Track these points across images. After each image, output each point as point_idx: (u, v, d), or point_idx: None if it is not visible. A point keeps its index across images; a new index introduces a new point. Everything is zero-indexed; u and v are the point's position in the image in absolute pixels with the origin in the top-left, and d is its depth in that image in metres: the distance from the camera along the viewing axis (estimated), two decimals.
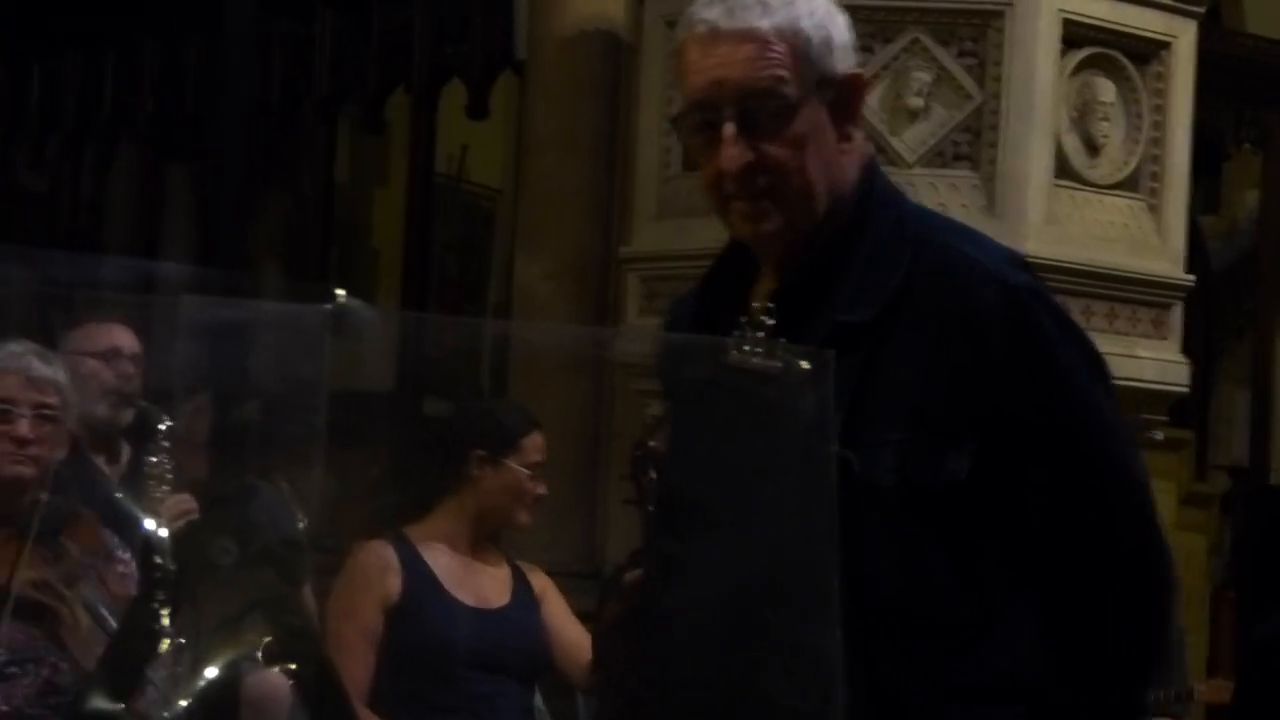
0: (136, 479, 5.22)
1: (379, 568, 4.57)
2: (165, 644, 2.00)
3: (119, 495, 4.97)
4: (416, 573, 4.56)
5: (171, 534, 2.08)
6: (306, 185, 9.75)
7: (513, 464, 4.62)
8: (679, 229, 6.62)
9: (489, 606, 4.64)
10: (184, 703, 1.93)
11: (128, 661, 2.03)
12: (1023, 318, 2.65)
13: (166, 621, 1.98)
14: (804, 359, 2.43)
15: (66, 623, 4.04)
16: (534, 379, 7.13)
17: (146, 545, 2.07)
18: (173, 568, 2.02)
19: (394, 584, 4.57)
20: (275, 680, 2.69)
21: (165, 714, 2.00)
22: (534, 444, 4.68)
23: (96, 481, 5.17)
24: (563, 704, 4.94)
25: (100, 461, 5.30)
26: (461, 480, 4.67)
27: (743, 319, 2.66)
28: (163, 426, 5.05)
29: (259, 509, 2.03)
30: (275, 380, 2.15)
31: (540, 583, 4.78)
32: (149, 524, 1.94)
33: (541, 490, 4.64)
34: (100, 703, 1.99)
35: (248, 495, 2.05)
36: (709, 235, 6.44)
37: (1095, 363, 2.73)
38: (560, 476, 7.03)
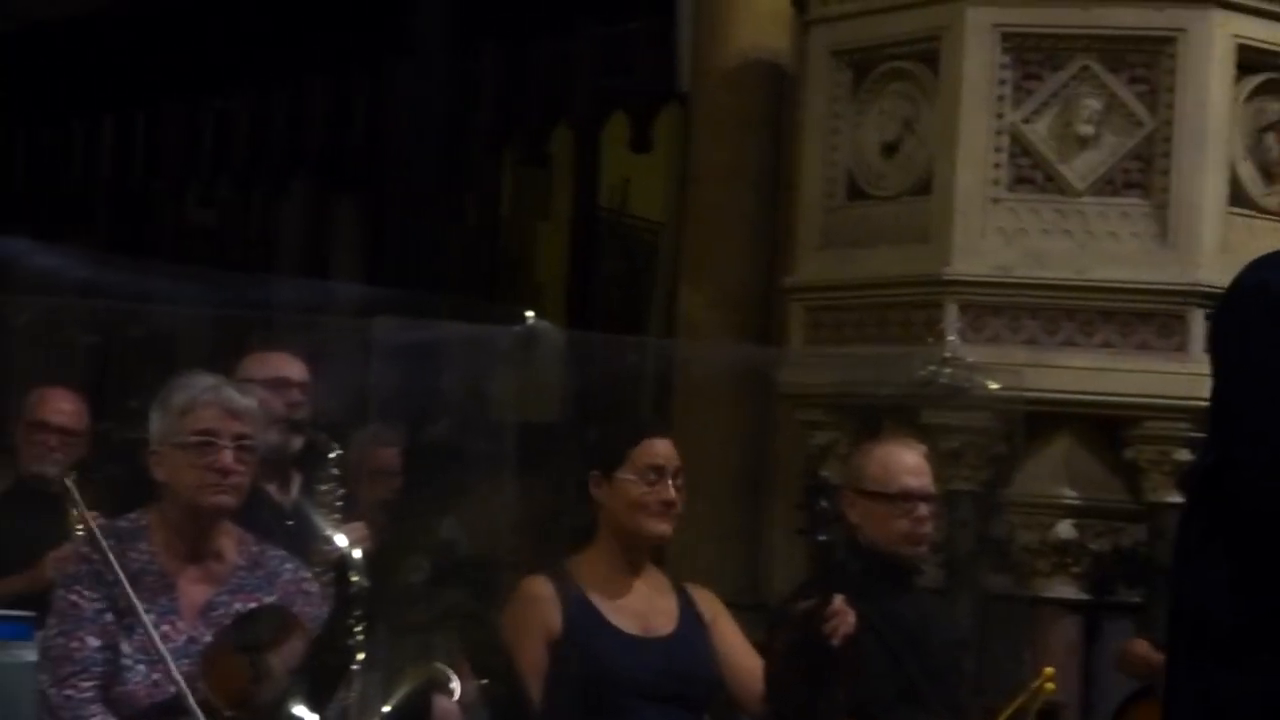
0: (306, 506, 5.25)
1: (538, 602, 4.52)
2: (359, 659, 1.99)
3: (306, 515, 5.02)
4: (576, 604, 4.50)
5: (365, 553, 2.05)
6: (472, 219, 9.78)
7: (625, 476, 4.54)
8: (843, 259, 6.59)
9: (654, 634, 4.56)
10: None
11: (323, 676, 2.01)
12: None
13: (361, 637, 1.96)
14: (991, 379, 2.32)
15: None
16: (697, 407, 7.10)
17: (341, 564, 2.04)
18: (366, 585, 1.99)
19: (554, 618, 4.52)
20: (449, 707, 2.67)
21: None
22: (647, 451, 4.56)
23: (271, 510, 5.20)
24: None
25: (272, 490, 5.32)
26: (594, 505, 4.62)
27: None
28: (333, 455, 5.08)
29: (450, 528, 2.00)
30: (465, 401, 2.14)
31: (710, 607, 4.69)
32: (342, 542, 1.91)
33: (667, 496, 4.54)
34: (298, 713, 1.99)
35: (439, 515, 2.02)
36: (873, 265, 6.47)
37: None
38: (724, 506, 7.00)
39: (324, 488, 5.04)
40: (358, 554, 2.15)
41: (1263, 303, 2.32)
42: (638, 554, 4.60)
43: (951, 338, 5.84)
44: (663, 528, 4.56)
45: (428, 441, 1.89)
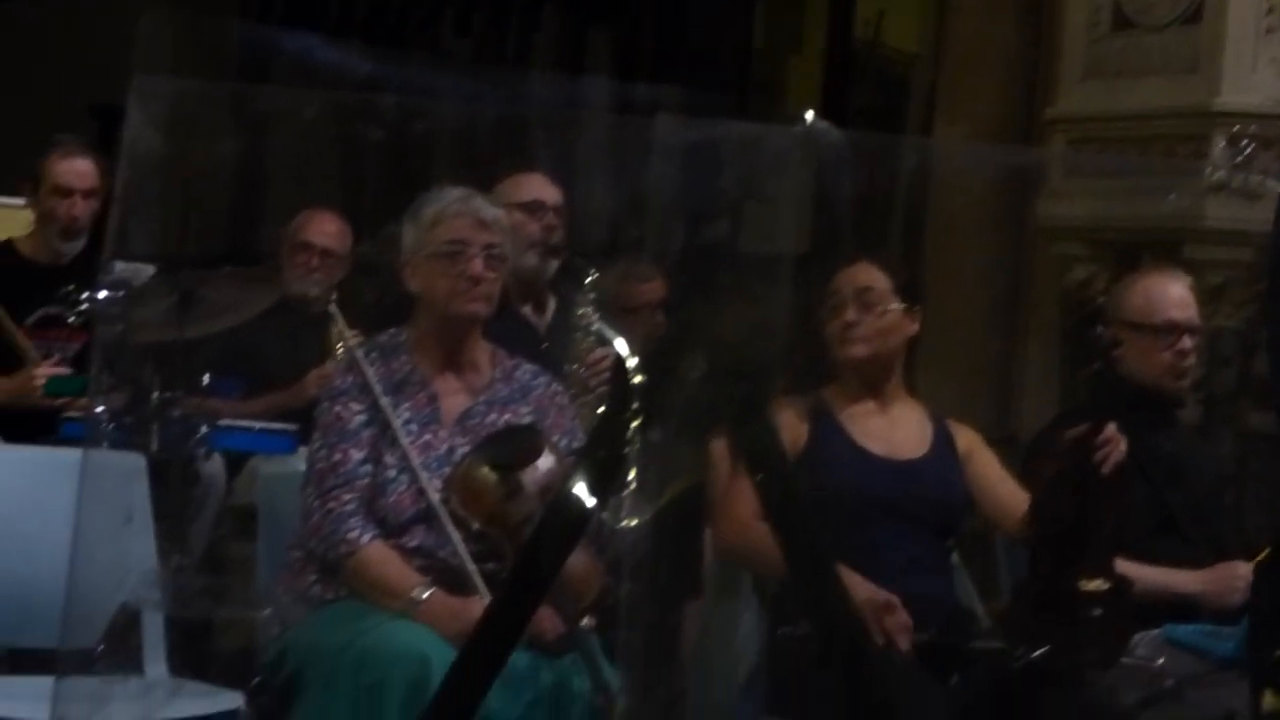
0: (562, 331, 5.27)
1: (786, 417, 4.52)
2: (632, 454, 1.99)
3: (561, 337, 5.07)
4: (823, 423, 4.48)
5: (645, 350, 2.05)
6: (724, 52, 9.72)
7: (830, 305, 4.51)
8: (1107, 90, 6.45)
9: (902, 457, 4.55)
10: (649, 510, 1.92)
11: (600, 470, 2.01)
12: None
13: (636, 433, 1.97)
14: None
15: None
16: (951, 240, 7.02)
17: (619, 363, 2.04)
18: (642, 382, 1.99)
19: (801, 433, 4.53)
20: None
21: (632, 521, 2.00)
22: (847, 279, 4.52)
23: (526, 331, 5.24)
24: (979, 559, 4.85)
25: (527, 312, 5.35)
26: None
27: None
28: (589, 280, 5.09)
29: (734, 328, 2.00)
30: (746, 199, 2.12)
31: (966, 440, 4.66)
32: (620, 344, 1.93)
33: (856, 349, 4.50)
34: (579, 504, 2.01)
35: (715, 315, 2.02)
36: (1139, 97, 6.33)
37: None
38: (975, 341, 6.94)
39: (580, 311, 5.07)
40: (630, 355, 2.14)
41: None
42: (874, 381, 4.57)
43: (1220, 171, 5.69)
44: (849, 351, 4.52)
45: (706, 241, 1.87)
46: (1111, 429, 4.23)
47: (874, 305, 4.47)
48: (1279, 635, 2.22)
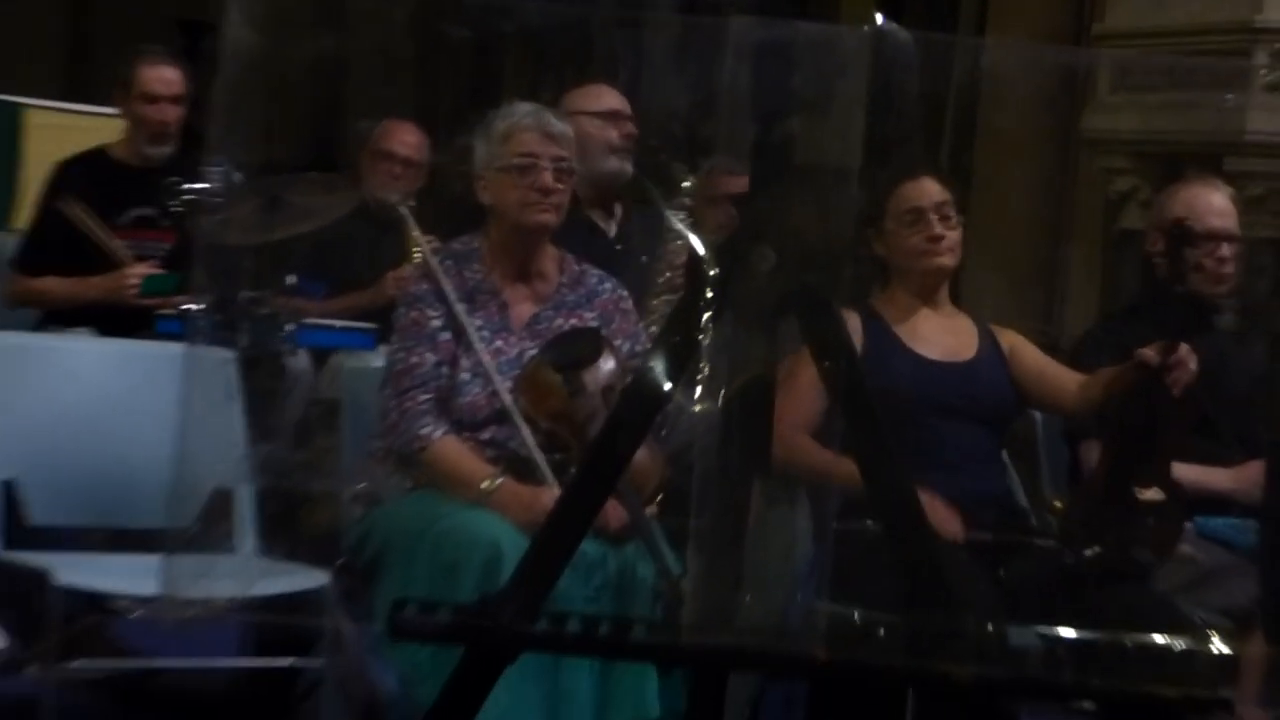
0: (634, 234, 5.31)
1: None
2: (705, 341, 2.04)
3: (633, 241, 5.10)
4: (876, 330, 4.52)
5: (715, 244, 2.10)
6: None
7: (889, 226, 4.51)
8: (1156, 5, 6.42)
9: (953, 359, 4.59)
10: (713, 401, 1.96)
11: (672, 358, 2.05)
12: None
13: (710, 321, 2.02)
14: None
15: None
16: (999, 150, 7.00)
17: (693, 257, 2.09)
18: (716, 273, 2.04)
19: (857, 340, 4.56)
20: None
21: (700, 406, 2.04)
22: (902, 196, 4.51)
23: (597, 236, 5.30)
24: (1023, 459, 4.87)
25: (597, 217, 5.38)
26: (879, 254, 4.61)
27: None
28: (687, 184, 5.11)
29: (799, 217, 2.03)
30: (817, 99, 2.14)
31: (1010, 340, 4.70)
32: (695, 239, 1.99)
33: (931, 233, 4.50)
34: (656, 386, 2.05)
35: (785, 207, 2.05)
36: (1187, 12, 6.31)
37: None
38: (1019, 250, 6.94)
39: (675, 214, 5.10)
40: (702, 247, 2.20)
41: None
42: (934, 293, 4.61)
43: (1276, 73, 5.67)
44: (938, 263, 4.55)
45: (777, 138, 1.88)
46: (1185, 350, 4.26)
47: (951, 218, 4.52)
48: None
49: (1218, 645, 2.96)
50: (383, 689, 4.12)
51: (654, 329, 4.62)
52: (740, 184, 5.04)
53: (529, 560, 2.18)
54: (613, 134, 5.31)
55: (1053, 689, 2.63)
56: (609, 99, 5.38)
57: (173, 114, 5.81)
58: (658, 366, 2.07)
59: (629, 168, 5.36)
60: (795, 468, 4.15)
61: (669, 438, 3.87)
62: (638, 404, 2.20)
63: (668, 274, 4.99)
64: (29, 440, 4.41)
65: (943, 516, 4.22)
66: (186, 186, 5.32)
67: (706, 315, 2.02)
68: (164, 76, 5.82)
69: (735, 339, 2.06)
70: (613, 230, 5.41)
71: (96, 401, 4.51)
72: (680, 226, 4.09)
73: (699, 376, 2.08)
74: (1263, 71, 5.51)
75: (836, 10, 9.30)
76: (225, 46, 2.36)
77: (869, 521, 2.64)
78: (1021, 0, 7.20)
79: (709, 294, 2.04)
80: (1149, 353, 4.30)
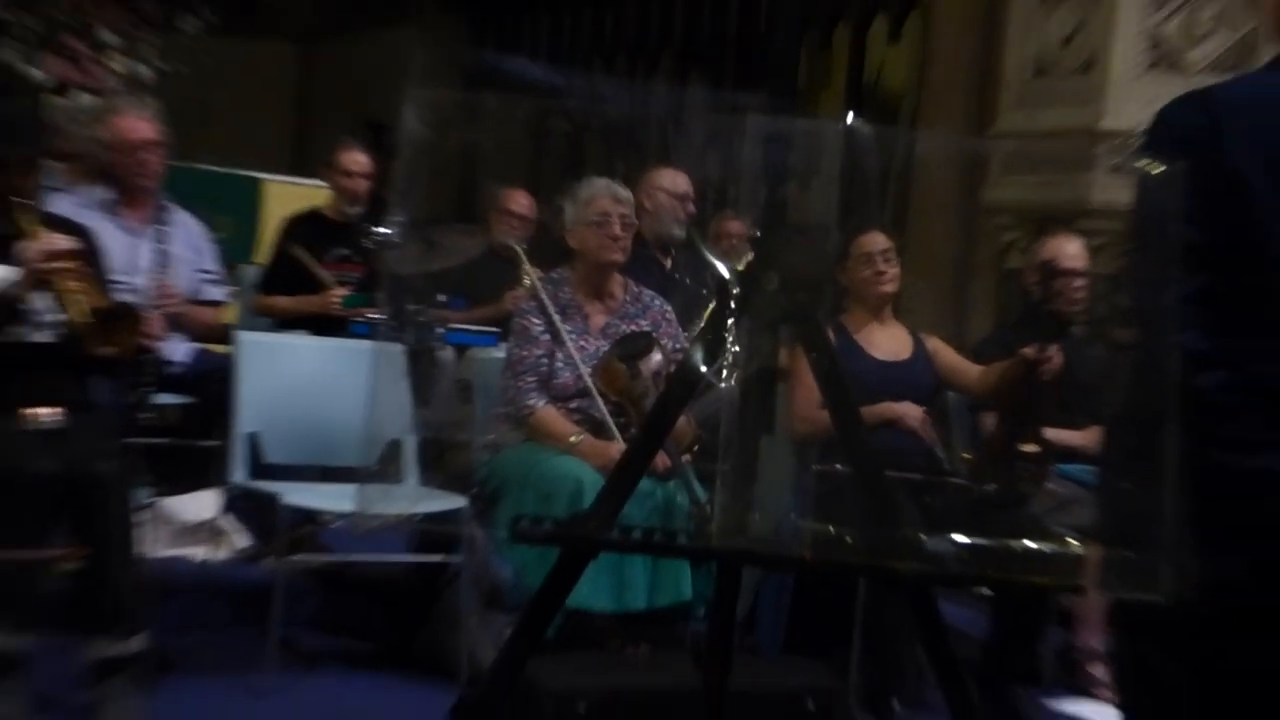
0: (683, 266, 5.43)
1: None
2: (729, 339, 2.03)
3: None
4: (843, 338, 4.49)
5: (737, 271, 2.09)
6: (779, 87, 9.60)
7: (849, 264, 4.50)
8: (1030, 114, 6.37)
9: (895, 359, 4.56)
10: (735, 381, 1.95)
11: (707, 349, 2.05)
12: None
13: (731, 326, 2.01)
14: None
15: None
16: (925, 214, 6.96)
17: (721, 281, 2.09)
18: (737, 291, 2.03)
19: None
20: None
21: (725, 384, 2.03)
22: (860, 245, 4.49)
23: (659, 269, 5.39)
24: (940, 426, 4.84)
25: (659, 255, 5.48)
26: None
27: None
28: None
29: (795, 253, 2.02)
30: (806, 173, 2.13)
31: (933, 344, 4.67)
32: (723, 267, 1.98)
33: (878, 269, 4.48)
34: (695, 370, 2.05)
35: (786, 249, 2.03)
36: (1051, 118, 6.27)
37: None
38: (941, 282, 6.89)
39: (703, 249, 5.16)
40: (728, 272, 2.20)
41: None
42: (880, 312, 4.58)
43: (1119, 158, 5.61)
44: (883, 290, 4.54)
45: (779, 199, 1.88)
46: (1052, 350, 4.25)
47: (892, 260, 4.50)
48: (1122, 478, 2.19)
49: (1073, 549, 2.93)
50: (502, 577, 4.13)
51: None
52: (737, 227, 5.05)
53: (605, 491, 2.18)
54: (680, 210, 5.39)
55: (962, 579, 2.63)
56: (682, 184, 5.46)
57: (363, 185, 5.81)
58: (696, 356, 2.07)
59: (682, 231, 5.43)
60: (808, 423, 4.13)
61: (703, 407, 3.86)
62: (681, 383, 2.19)
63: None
64: (267, 405, 4.44)
65: (903, 411, 4.32)
66: (374, 232, 5.33)
67: (730, 321, 2.02)
68: (357, 159, 5.83)
69: (750, 338, 2.05)
70: (669, 264, 5.45)
71: (311, 380, 4.53)
72: (713, 259, 4.10)
73: (725, 364, 2.06)
74: (1112, 158, 5.45)
75: (817, 104, 9.27)
76: (403, 138, 2.35)
77: (838, 466, 2.63)
78: (939, 112, 7.13)
79: (732, 306, 2.03)
80: (1028, 351, 4.28)
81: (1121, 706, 2.32)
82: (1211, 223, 1.94)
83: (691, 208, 5.44)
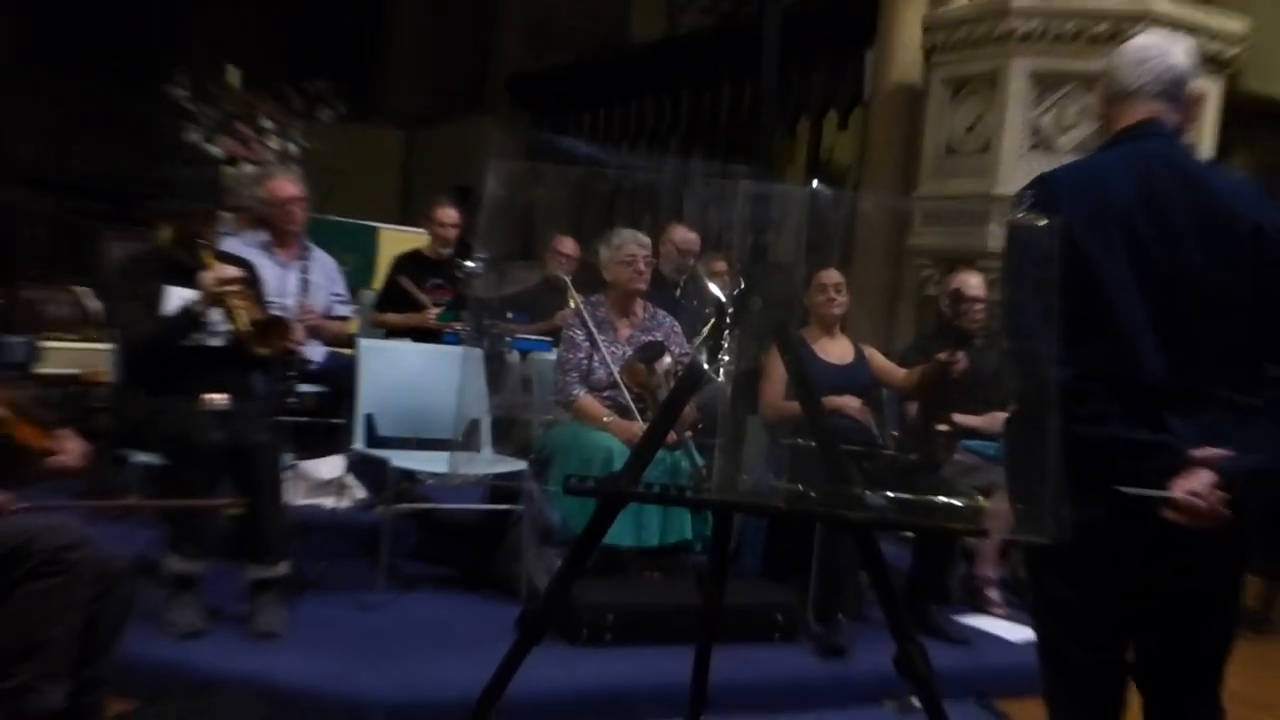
0: (687, 293, 5.34)
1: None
2: (725, 345, 1.99)
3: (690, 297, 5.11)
4: (804, 349, 4.46)
5: (731, 296, 2.06)
6: (759, 161, 9.53)
7: (811, 293, 4.46)
8: (942, 184, 6.32)
9: (842, 363, 4.52)
10: (727, 377, 1.92)
11: (709, 351, 2.02)
12: None
13: (727, 335, 1.97)
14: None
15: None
16: (866, 255, 6.90)
17: (719, 305, 2.06)
18: (732, 311, 1.99)
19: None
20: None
21: (721, 379, 2.00)
22: (819, 279, 4.46)
23: (671, 294, 5.32)
24: (875, 412, 4.80)
25: (670, 283, 5.43)
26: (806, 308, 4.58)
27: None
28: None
29: (773, 283, 1.98)
30: (782, 224, 2.09)
31: (870, 351, 4.63)
32: (720, 294, 1.95)
33: (828, 297, 4.44)
34: (700, 368, 2.02)
35: (766, 280, 1.99)
36: (957, 185, 6.25)
37: None
38: (876, 306, 6.84)
39: (704, 281, 5.13)
40: (724, 298, 2.16)
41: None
42: (832, 328, 4.54)
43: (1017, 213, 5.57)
44: (834, 312, 4.50)
45: (763, 243, 1.85)
46: (960, 355, 4.22)
47: (842, 290, 4.47)
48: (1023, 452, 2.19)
49: (975, 503, 2.90)
50: (552, 521, 4.10)
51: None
52: (723, 265, 5.01)
53: (631, 459, 2.15)
54: (682, 260, 5.39)
55: (894, 524, 2.59)
56: (689, 240, 5.45)
57: (453, 233, 5.78)
58: (701, 358, 2.04)
59: (687, 265, 5.40)
60: (777, 410, 4.12)
61: (702, 397, 3.85)
62: (689, 378, 2.16)
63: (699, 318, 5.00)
64: (381, 394, 4.41)
65: (845, 402, 4.27)
66: (464, 267, 5.32)
67: (725, 331, 1.99)
68: (449, 214, 5.80)
69: (740, 345, 2.02)
70: (677, 292, 5.41)
71: (413, 375, 4.49)
72: (713, 287, 4.08)
73: (721, 364, 2.02)
74: (1010, 213, 5.43)
75: (784, 175, 9.22)
76: (487, 196, 2.33)
77: (799, 440, 2.60)
78: (877, 180, 7.07)
79: (727, 320, 2.00)
80: (943, 356, 4.24)
81: (1033, 615, 2.31)
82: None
83: (691, 260, 5.40)
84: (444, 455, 4.05)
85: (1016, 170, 5.94)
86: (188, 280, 3.69)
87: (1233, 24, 5.97)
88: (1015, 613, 4.43)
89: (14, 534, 2.33)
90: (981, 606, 4.50)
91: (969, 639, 4.14)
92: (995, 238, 5.88)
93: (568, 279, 5.49)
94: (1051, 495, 1.89)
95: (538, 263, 5.95)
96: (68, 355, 5.86)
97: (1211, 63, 5.94)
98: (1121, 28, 5.71)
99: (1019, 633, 4.19)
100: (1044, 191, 2.10)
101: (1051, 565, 2.19)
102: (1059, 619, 2.20)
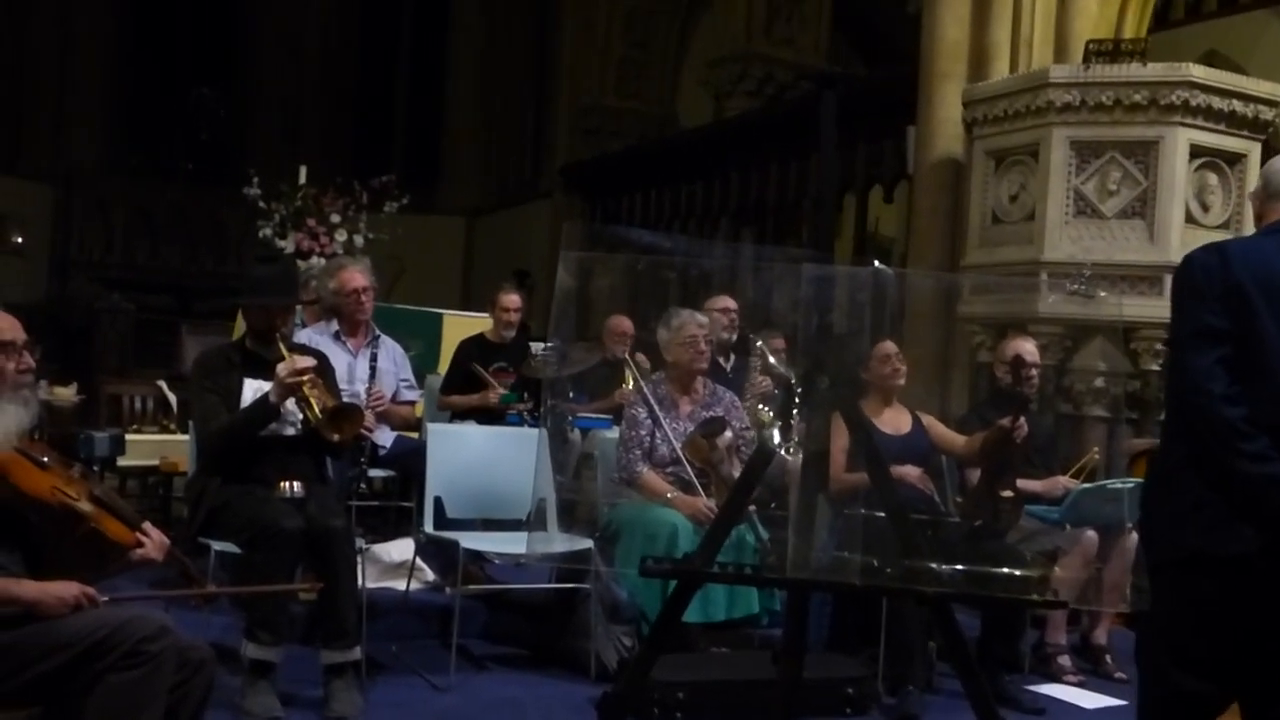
0: (739, 370, 5.24)
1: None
2: (794, 423, 1.95)
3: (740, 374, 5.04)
4: (864, 420, 4.38)
5: (796, 376, 2.03)
6: (809, 239, 9.50)
7: (869, 366, 4.38)
8: (988, 253, 6.25)
9: (899, 433, 4.44)
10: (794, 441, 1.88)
11: (779, 431, 1.97)
12: None
13: (794, 413, 1.94)
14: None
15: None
16: (920, 325, 6.80)
17: (786, 384, 2.04)
18: (799, 388, 1.96)
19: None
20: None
21: (794, 453, 1.96)
22: (876, 351, 4.38)
23: (720, 371, 5.22)
24: (937, 479, 4.68)
25: (721, 360, 5.35)
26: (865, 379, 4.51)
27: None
28: (759, 344, 5.05)
29: (838, 362, 1.94)
30: (846, 304, 2.07)
31: (928, 420, 4.54)
32: (787, 373, 1.94)
33: (890, 369, 4.36)
34: (770, 447, 1.98)
35: (831, 358, 1.96)
36: (1005, 254, 6.16)
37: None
38: (930, 374, 6.73)
39: (766, 359, 5.03)
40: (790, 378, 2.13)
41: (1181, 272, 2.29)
42: (891, 398, 4.47)
43: (1076, 285, 5.46)
44: (898, 383, 4.43)
45: (827, 322, 1.83)
46: (1020, 420, 4.15)
47: (902, 360, 4.42)
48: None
49: (1046, 570, 2.83)
50: (620, 599, 4.04)
51: (747, 414, 4.53)
52: (780, 342, 4.96)
53: (706, 539, 2.10)
54: (724, 319, 5.29)
55: (965, 598, 2.51)
56: (728, 303, 5.35)
57: (516, 317, 5.80)
58: (771, 437, 2.01)
59: (732, 338, 5.32)
60: (841, 483, 4.05)
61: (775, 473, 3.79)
62: (761, 457, 2.12)
63: (751, 391, 4.88)
64: (450, 476, 4.38)
65: (906, 471, 4.17)
66: (535, 354, 5.34)
67: (794, 410, 1.96)
68: (512, 298, 5.82)
69: (809, 422, 1.98)
70: (729, 369, 5.35)
71: (480, 456, 4.46)
72: (780, 368, 4.03)
73: (792, 442, 1.98)
74: (1070, 284, 5.37)
75: (832, 249, 9.19)
76: (557, 286, 2.33)
77: (872, 511, 2.54)
78: (922, 252, 7.02)
79: (796, 399, 1.97)
80: (1004, 422, 4.16)
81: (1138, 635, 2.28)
82: (1226, 315, 2.19)
83: (735, 319, 5.33)
84: (510, 535, 4.01)
85: (1062, 237, 5.84)
86: (264, 372, 3.73)
87: (1266, 86, 5.90)
88: (1088, 679, 4.27)
89: (97, 627, 2.32)
90: (1054, 674, 4.34)
91: (1043, 708, 3.99)
92: (1044, 303, 5.79)
93: (627, 358, 5.48)
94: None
95: (595, 344, 5.96)
96: (147, 447, 5.94)
97: (1251, 125, 5.85)
98: (1158, 95, 5.66)
99: (1093, 700, 4.03)
100: (1219, 256, 2.27)
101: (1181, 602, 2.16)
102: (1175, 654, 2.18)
